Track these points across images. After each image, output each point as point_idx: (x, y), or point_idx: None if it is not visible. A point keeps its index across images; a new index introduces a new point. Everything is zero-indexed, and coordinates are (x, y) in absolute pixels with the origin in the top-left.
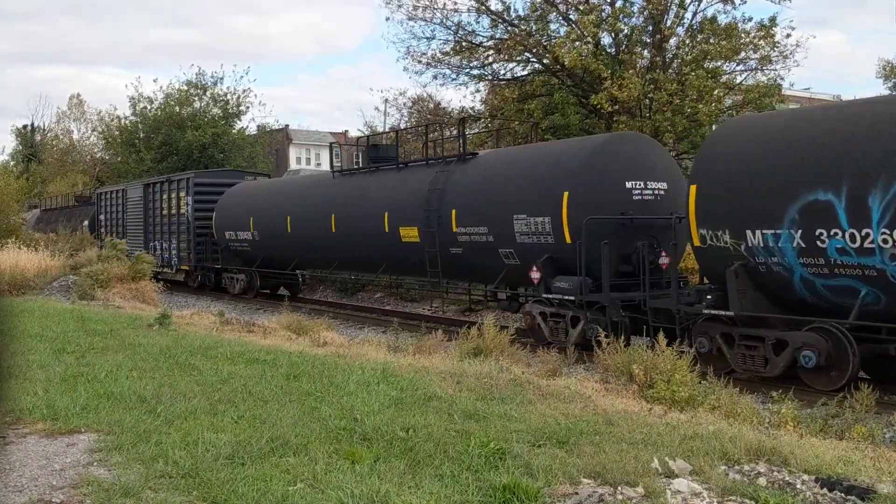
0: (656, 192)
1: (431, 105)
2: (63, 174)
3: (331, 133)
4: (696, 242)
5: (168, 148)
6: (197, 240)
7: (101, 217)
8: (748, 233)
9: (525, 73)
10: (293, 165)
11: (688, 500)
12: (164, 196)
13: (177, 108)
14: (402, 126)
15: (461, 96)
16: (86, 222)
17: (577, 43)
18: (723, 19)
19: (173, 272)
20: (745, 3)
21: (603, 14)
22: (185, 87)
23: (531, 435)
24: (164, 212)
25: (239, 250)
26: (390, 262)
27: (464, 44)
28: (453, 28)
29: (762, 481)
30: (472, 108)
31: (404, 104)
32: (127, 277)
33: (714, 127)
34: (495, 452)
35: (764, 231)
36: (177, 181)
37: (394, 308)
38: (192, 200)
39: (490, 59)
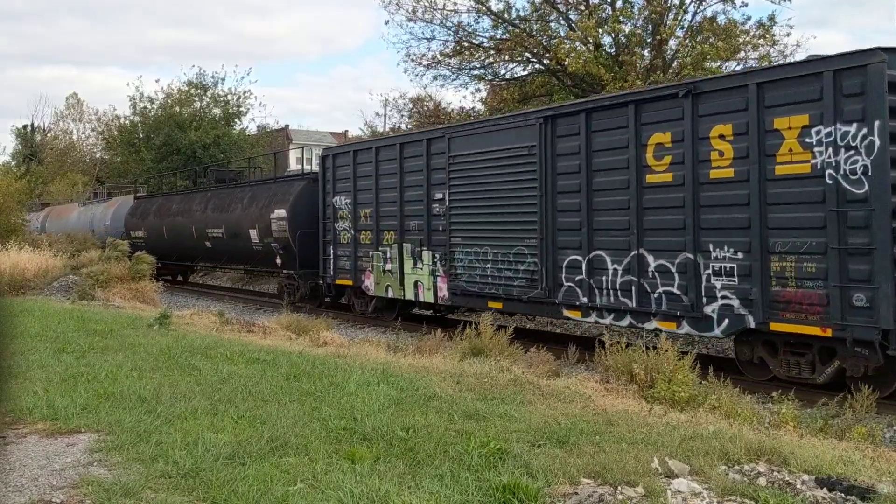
0: None
1: (431, 106)
2: (63, 174)
3: (331, 133)
4: None
5: (168, 148)
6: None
7: (344, 201)
8: None
9: (525, 73)
10: (293, 166)
11: (688, 500)
12: (599, 141)
13: (177, 108)
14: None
15: (461, 97)
16: (280, 212)
17: (579, 45)
18: (722, 20)
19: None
20: (746, 5)
21: (603, 15)
22: (186, 88)
23: (531, 435)
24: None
25: None
26: None
27: (464, 44)
28: (453, 29)
29: (762, 481)
30: (472, 109)
31: (404, 105)
32: (127, 277)
33: None
34: (495, 452)
35: None
36: (705, 95)
37: None
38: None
39: (490, 60)
